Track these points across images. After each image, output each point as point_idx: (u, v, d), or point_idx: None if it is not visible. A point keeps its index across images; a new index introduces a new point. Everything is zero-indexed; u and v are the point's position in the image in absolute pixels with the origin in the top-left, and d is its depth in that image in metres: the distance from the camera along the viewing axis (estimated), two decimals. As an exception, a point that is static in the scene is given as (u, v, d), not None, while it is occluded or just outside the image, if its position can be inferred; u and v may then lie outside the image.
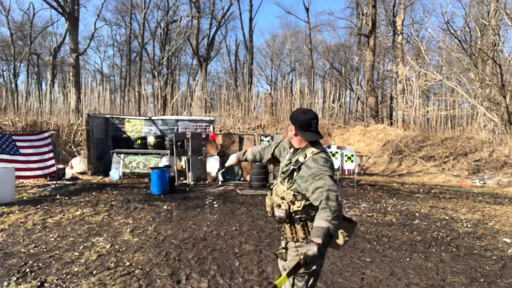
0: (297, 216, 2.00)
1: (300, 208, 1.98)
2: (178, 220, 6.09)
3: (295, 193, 1.98)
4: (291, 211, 2.00)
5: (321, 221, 1.73)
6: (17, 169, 8.28)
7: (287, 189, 2.01)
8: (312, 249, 1.64)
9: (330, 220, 1.71)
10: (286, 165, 2.11)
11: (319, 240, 1.67)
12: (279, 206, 2.03)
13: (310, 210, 1.98)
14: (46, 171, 9.18)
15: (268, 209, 2.15)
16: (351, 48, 33.84)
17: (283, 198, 2.02)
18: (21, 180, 10.20)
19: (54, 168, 9.50)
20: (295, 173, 1.99)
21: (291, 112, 2.14)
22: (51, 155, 9.46)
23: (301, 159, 2.00)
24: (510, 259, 4.33)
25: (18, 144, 8.68)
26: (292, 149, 2.16)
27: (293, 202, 1.99)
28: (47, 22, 31.43)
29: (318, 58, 36.78)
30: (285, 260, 2.10)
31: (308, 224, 2.00)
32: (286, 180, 2.03)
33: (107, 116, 13.53)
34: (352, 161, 11.00)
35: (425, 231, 5.58)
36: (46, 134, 9.75)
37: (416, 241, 5.06)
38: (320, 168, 1.91)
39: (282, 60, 39.87)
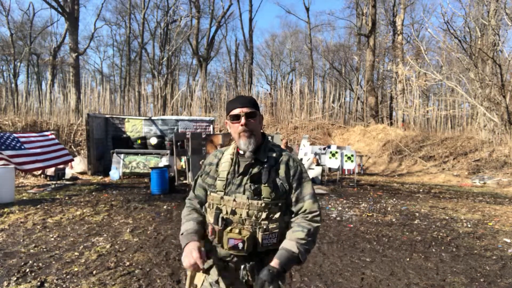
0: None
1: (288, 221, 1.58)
2: (178, 220, 6.08)
3: (279, 202, 1.53)
4: (282, 231, 1.53)
5: (291, 242, 1.45)
6: (26, 162, 8.24)
7: (272, 200, 1.50)
8: (266, 275, 1.35)
9: (302, 244, 1.45)
10: (249, 169, 1.55)
11: (277, 266, 1.39)
12: (267, 230, 1.47)
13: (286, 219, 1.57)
14: (62, 159, 9.19)
15: (241, 246, 1.45)
16: (351, 48, 33.85)
17: (269, 218, 1.49)
18: (21, 181, 10.21)
19: (69, 157, 9.58)
20: (272, 173, 1.54)
21: (238, 101, 1.59)
22: (61, 146, 9.55)
23: (274, 154, 1.59)
24: (510, 259, 4.33)
25: (22, 140, 8.68)
26: (242, 153, 1.59)
27: (282, 218, 1.53)
28: (47, 22, 31.46)
29: (318, 58, 36.80)
30: None
31: None
32: (265, 188, 1.50)
33: (107, 116, 13.52)
34: (352, 161, 11.00)
35: (425, 231, 5.58)
36: (48, 133, 9.83)
37: (416, 241, 5.06)
38: (302, 168, 1.62)
39: (282, 60, 39.88)
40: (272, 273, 1.36)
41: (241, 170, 1.55)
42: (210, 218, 1.55)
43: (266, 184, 1.50)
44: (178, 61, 32.52)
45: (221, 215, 1.50)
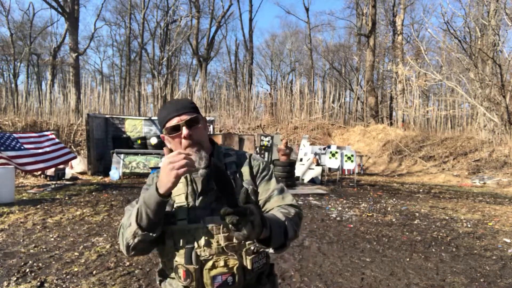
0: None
1: None
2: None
3: None
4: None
5: (275, 211, 1.21)
6: (27, 163, 8.23)
7: None
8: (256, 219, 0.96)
9: (289, 219, 1.16)
10: (208, 184, 1.23)
11: (262, 222, 1.00)
12: (255, 251, 1.19)
13: None
14: (63, 158, 9.18)
15: (231, 280, 1.15)
16: (351, 48, 33.86)
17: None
18: (21, 181, 10.21)
19: (72, 155, 9.58)
20: (237, 180, 1.27)
21: (172, 108, 1.25)
22: (62, 145, 9.57)
23: (232, 158, 1.33)
24: (510, 259, 4.33)
25: (22, 140, 8.68)
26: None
27: None
28: (47, 22, 31.48)
29: (318, 58, 36.82)
30: None
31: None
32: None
33: (107, 116, 13.53)
34: (352, 161, 11.00)
35: (425, 231, 5.58)
36: (48, 132, 9.85)
37: (416, 241, 5.06)
38: (265, 165, 1.35)
39: (282, 60, 39.89)
40: (247, 195, 0.98)
41: (200, 188, 1.23)
42: (178, 259, 1.18)
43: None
44: (178, 61, 32.53)
45: (194, 251, 1.15)
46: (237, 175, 1.28)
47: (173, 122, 1.21)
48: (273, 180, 1.33)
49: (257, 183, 1.31)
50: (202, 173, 1.21)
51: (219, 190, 0.97)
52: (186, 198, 1.23)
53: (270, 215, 1.14)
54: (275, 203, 1.27)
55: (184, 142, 1.21)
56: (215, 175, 0.98)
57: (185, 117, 1.21)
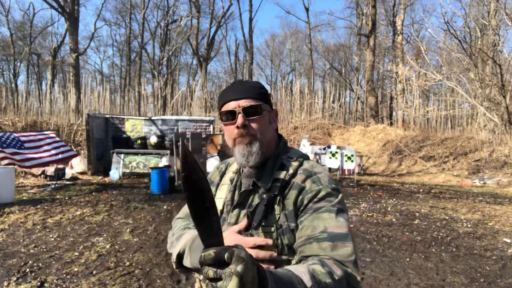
0: None
1: None
2: (178, 220, 6.09)
3: (290, 258, 0.92)
4: None
5: (303, 268, 0.76)
6: (28, 159, 8.23)
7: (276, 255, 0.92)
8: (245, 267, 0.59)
9: (320, 283, 0.74)
10: (248, 198, 1.00)
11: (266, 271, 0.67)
12: None
13: None
14: (65, 155, 9.18)
15: None
16: (351, 48, 33.87)
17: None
18: (21, 181, 10.21)
19: (73, 152, 9.59)
20: (276, 207, 0.94)
21: (233, 90, 1.04)
22: (62, 143, 9.58)
23: (282, 174, 0.98)
24: (510, 259, 4.33)
25: (22, 139, 8.69)
26: (246, 170, 1.04)
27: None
28: (47, 22, 31.51)
29: (318, 58, 36.83)
30: None
31: None
32: (262, 226, 0.93)
33: (107, 116, 13.53)
34: (352, 161, 11.00)
35: (425, 231, 5.58)
36: (48, 132, 9.87)
37: (416, 241, 5.06)
38: (328, 192, 0.94)
39: (282, 60, 39.93)
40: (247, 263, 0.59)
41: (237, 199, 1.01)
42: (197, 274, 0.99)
43: (260, 230, 0.92)
44: (178, 61, 32.54)
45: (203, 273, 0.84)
46: (278, 200, 0.94)
47: (230, 106, 1.01)
48: (331, 216, 0.89)
49: (305, 215, 0.91)
50: (247, 173, 1.02)
51: (188, 204, 0.65)
52: (223, 205, 1.04)
53: (283, 272, 0.72)
54: (316, 250, 0.83)
55: (236, 132, 0.99)
56: (186, 173, 0.63)
57: (245, 103, 0.99)
